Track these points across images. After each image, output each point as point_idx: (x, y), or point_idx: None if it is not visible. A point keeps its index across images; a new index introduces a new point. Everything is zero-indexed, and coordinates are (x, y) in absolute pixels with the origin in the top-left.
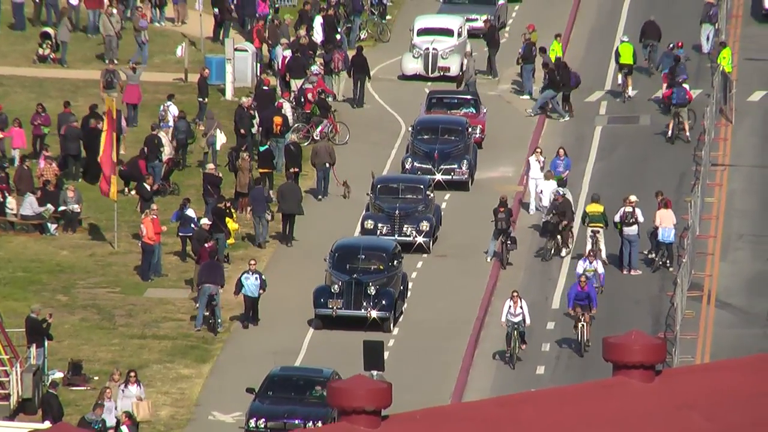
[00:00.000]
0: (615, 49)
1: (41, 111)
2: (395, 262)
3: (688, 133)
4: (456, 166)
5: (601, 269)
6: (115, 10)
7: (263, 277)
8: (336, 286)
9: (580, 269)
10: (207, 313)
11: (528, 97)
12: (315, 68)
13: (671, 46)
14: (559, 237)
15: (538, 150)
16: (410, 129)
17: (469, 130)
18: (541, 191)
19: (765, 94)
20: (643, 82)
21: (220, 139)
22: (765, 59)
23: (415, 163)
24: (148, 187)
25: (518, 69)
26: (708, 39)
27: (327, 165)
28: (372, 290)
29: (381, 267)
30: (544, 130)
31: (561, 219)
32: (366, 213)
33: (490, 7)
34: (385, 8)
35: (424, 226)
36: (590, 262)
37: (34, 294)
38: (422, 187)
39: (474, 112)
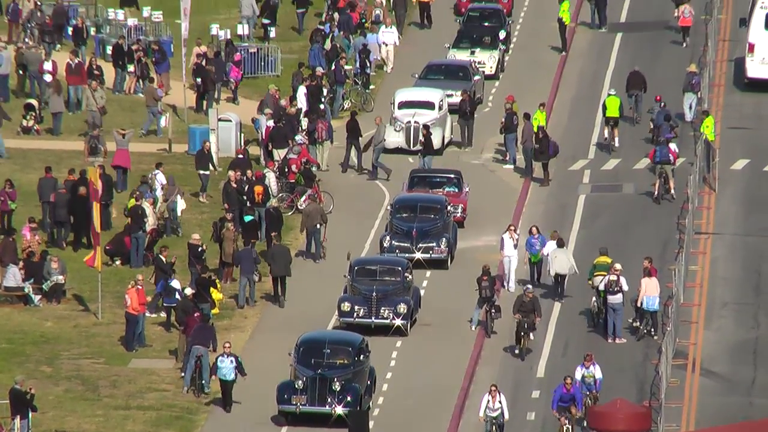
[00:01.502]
0: (602, 102)
1: (9, 187)
2: (362, 356)
3: (672, 192)
4: (435, 244)
5: (599, 374)
6: (97, 85)
7: (239, 359)
8: (300, 381)
9: (578, 375)
10: (194, 375)
11: (512, 166)
12: (299, 138)
13: (664, 104)
14: (531, 335)
15: (512, 228)
16: (389, 208)
17: (449, 208)
18: (553, 257)
19: (748, 162)
20: (629, 132)
21: (180, 204)
22: (747, 128)
23: (394, 242)
24: (164, 259)
25: (501, 138)
26: (691, 108)
27: (318, 226)
28: (337, 386)
29: (347, 362)
30: (528, 199)
31: (528, 317)
32: (343, 295)
33: (466, 83)
34: (369, 78)
35: (402, 308)
36: (587, 368)
37: (18, 365)
38: (400, 269)
39: (456, 190)
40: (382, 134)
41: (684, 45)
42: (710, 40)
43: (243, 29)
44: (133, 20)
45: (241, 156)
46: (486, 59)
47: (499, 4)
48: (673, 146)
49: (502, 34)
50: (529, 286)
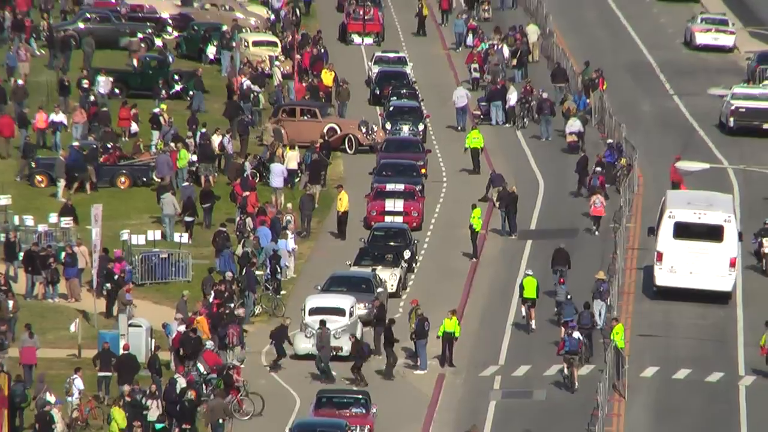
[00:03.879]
0: (519, 283)
1: None
2: None
3: (576, 383)
4: None
5: None
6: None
7: None
8: None
9: None
10: None
11: (423, 371)
12: (209, 343)
13: (570, 297)
14: None
15: None
16: (289, 430)
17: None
18: None
19: (657, 370)
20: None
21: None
22: (657, 335)
23: None
24: None
25: (411, 344)
26: (600, 315)
27: (221, 421)
28: None
29: None
30: (439, 405)
31: None
32: None
33: (369, 295)
34: (280, 283)
35: None
36: None
37: None
38: None
39: (363, 412)
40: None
41: (595, 233)
42: (619, 248)
43: (153, 235)
44: (43, 226)
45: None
46: (387, 277)
47: (405, 223)
48: (576, 335)
49: (406, 254)
50: None
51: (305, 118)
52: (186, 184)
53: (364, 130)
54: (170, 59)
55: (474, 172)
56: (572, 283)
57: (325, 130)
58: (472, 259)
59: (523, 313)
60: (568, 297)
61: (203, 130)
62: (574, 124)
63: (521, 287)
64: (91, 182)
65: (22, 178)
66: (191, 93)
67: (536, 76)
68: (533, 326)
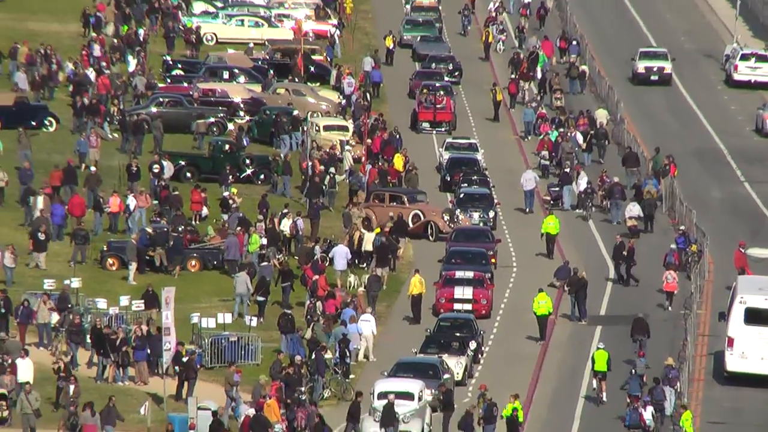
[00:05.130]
0: (591, 356)
1: None
2: None
3: None
4: None
5: None
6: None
7: None
8: None
9: None
10: None
11: None
12: (278, 427)
13: (648, 367)
14: None
15: None
16: None
17: None
18: None
19: None
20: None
21: None
22: (727, 422)
23: None
24: None
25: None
26: (669, 401)
27: None
28: None
29: None
30: None
31: None
32: None
33: (436, 381)
34: (349, 367)
35: None
36: None
37: None
38: None
39: None
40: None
41: (668, 309)
42: (689, 335)
43: (223, 318)
44: (114, 308)
45: None
46: (453, 365)
47: (474, 311)
48: (645, 413)
49: (472, 344)
50: None
51: (394, 204)
52: (265, 263)
53: (446, 218)
54: (245, 142)
55: (548, 257)
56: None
57: (410, 217)
58: (539, 341)
59: (594, 386)
60: (646, 368)
61: (285, 210)
62: (633, 209)
63: (593, 360)
64: (162, 264)
65: (75, 263)
66: (261, 176)
67: (607, 161)
68: (604, 398)
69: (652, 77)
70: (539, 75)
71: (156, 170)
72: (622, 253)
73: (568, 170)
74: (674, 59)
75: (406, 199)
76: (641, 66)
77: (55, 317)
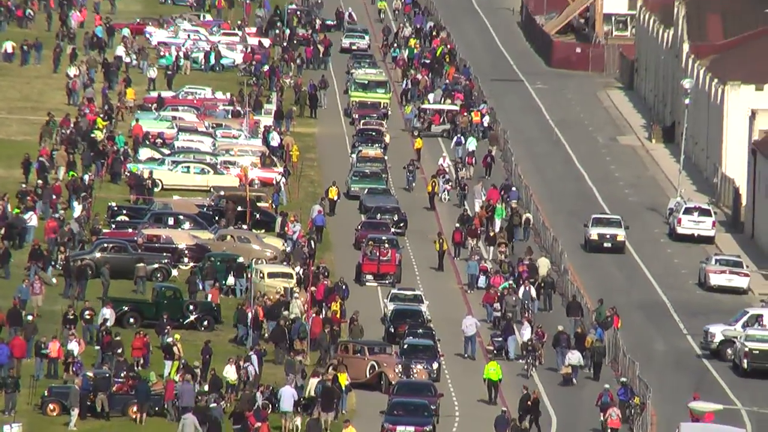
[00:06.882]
0: None
1: None
2: None
3: None
4: None
5: None
6: None
7: None
8: None
9: None
10: None
11: None
12: None
13: None
14: None
15: None
16: None
17: None
18: None
19: None
20: None
21: None
22: None
23: None
24: None
25: None
26: None
27: None
28: None
29: None
30: None
31: None
32: None
33: None
34: None
35: None
36: None
37: None
38: None
39: None
40: None
41: None
42: None
43: None
44: None
45: None
46: None
47: None
48: None
49: None
50: None
51: (358, 355)
52: (214, 404)
53: (398, 370)
54: (200, 287)
55: (489, 403)
56: None
57: (367, 368)
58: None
59: None
60: None
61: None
62: (572, 357)
63: None
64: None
65: (8, 412)
66: (205, 323)
67: (549, 312)
68: None
69: (605, 244)
70: (497, 227)
71: (88, 317)
72: (527, 403)
73: (509, 321)
74: (628, 227)
75: (367, 350)
76: (594, 233)
77: None
